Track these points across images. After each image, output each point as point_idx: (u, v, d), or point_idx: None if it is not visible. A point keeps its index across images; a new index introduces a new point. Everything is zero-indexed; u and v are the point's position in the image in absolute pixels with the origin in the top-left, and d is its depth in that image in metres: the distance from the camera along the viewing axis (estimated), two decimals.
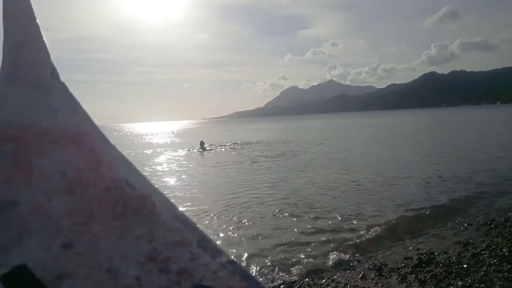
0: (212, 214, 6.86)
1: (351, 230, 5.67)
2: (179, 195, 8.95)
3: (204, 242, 0.47)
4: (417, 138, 22.28)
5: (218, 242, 5.21)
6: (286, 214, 6.73)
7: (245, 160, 15.40)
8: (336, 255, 4.69)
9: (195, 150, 20.97)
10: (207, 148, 21.31)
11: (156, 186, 0.50)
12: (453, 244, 4.86)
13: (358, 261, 4.50)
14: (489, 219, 5.83)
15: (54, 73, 0.49)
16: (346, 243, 5.13)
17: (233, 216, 6.72)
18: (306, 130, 41.74)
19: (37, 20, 0.49)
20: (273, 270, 4.34)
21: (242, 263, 3.83)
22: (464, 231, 5.38)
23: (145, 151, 22.91)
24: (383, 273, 4.10)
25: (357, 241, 5.18)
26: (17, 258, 0.40)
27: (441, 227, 5.64)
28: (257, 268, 4.40)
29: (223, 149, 21.03)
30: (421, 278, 3.88)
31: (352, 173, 10.88)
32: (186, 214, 0.50)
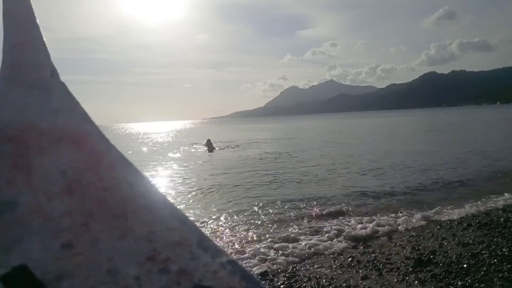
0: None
1: (351, 229, 5.67)
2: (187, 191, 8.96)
3: (204, 242, 0.47)
4: (413, 138, 22.30)
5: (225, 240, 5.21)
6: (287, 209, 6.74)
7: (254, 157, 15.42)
8: (336, 255, 4.69)
9: (200, 149, 21.05)
10: (216, 148, 21.19)
11: (156, 186, 0.50)
12: (453, 244, 4.86)
13: (358, 261, 4.50)
14: (489, 219, 5.83)
15: (54, 73, 0.49)
16: (346, 244, 5.13)
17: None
18: (308, 131, 41.73)
19: (37, 20, 0.49)
20: (272, 270, 4.34)
21: (242, 263, 3.82)
22: (464, 231, 5.38)
23: (145, 151, 22.92)
24: (383, 273, 4.10)
25: (357, 241, 5.18)
26: (17, 258, 0.40)
27: (441, 227, 5.64)
28: (256, 269, 4.40)
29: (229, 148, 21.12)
30: (421, 278, 3.88)
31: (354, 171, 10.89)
32: (188, 213, 0.50)
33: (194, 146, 23.85)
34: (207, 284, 0.44)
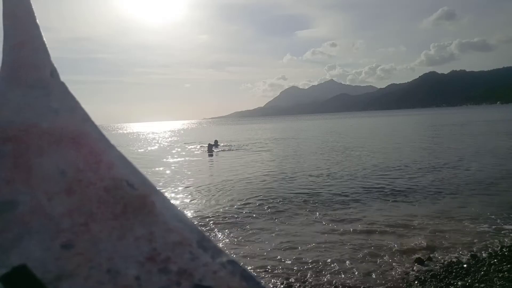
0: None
1: (351, 230, 5.67)
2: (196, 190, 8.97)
3: (204, 242, 0.47)
4: (415, 137, 22.31)
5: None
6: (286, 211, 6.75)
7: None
8: (337, 256, 4.68)
9: (200, 150, 20.94)
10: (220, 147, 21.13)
11: (156, 186, 0.50)
12: (453, 244, 4.85)
13: (358, 263, 4.50)
14: (490, 219, 5.83)
15: (54, 73, 0.49)
16: (346, 244, 5.13)
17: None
18: (309, 131, 41.72)
19: (37, 20, 0.49)
20: (273, 270, 4.34)
21: (242, 263, 3.82)
22: (464, 231, 5.37)
23: (145, 150, 22.93)
24: (384, 273, 4.10)
25: (357, 242, 5.18)
26: (17, 258, 0.40)
27: (442, 228, 5.64)
28: (257, 268, 4.40)
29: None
30: (421, 278, 3.88)
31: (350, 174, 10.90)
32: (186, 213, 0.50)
33: (191, 147, 23.76)
34: (207, 284, 0.44)
